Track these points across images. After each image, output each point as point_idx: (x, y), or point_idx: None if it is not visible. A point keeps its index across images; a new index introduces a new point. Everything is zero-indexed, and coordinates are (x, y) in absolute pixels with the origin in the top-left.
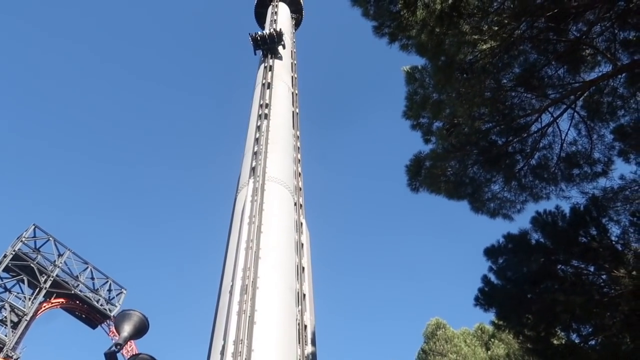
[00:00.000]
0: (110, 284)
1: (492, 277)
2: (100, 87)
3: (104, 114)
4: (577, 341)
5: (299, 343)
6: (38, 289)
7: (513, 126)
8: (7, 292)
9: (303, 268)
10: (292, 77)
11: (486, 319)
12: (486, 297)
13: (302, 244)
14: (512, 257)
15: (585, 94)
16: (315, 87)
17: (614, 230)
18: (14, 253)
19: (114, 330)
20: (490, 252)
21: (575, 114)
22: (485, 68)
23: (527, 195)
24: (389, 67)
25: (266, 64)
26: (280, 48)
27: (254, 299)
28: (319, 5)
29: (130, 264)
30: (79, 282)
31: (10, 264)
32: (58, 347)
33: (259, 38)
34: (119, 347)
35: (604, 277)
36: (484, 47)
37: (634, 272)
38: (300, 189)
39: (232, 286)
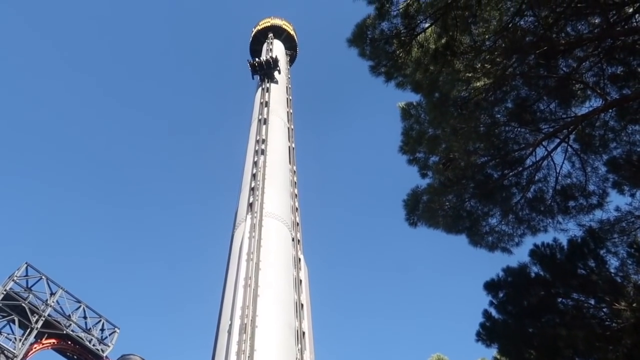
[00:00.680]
0: (103, 323)
1: (493, 312)
2: (92, 124)
3: (95, 152)
4: None
5: None
6: (29, 329)
7: (508, 160)
8: None
9: (302, 305)
10: (287, 112)
11: (489, 354)
12: (488, 332)
13: (301, 280)
14: (512, 291)
15: (577, 128)
16: (311, 101)
17: (613, 262)
18: (5, 292)
19: None
20: (491, 286)
21: (569, 147)
22: (479, 104)
23: (524, 228)
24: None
25: (263, 86)
26: (276, 73)
27: (253, 338)
28: (313, 41)
29: (123, 301)
30: (71, 322)
31: (1, 304)
32: None
33: (256, 64)
34: None
35: (604, 310)
36: (478, 84)
37: (634, 305)
38: (298, 224)
39: (230, 325)
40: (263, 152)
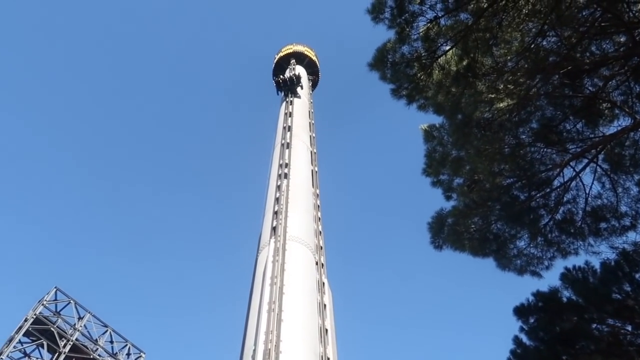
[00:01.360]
0: (129, 348)
1: (524, 338)
2: (115, 155)
3: (123, 180)
4: None
5: None
6: (57, 353)
7: (535, 181)
8: (27, 358)
9: (326, 330)
10: (310, 136)
11: None
12: (519, 359)
13: (325, 305)
14: (544, 316)
15: (606, 148)
16: (333, 122)
17: None
18: (34, 317)
19: None
20: (520, 312)
21: (598, 167)
22: (503, 125)
23: (554, 251)
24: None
25: (287, 100)
26: (298, 89)
27: None
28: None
29: (148, 325)
30: (98, 346)
31: (30, 328)
32: None
33: (280, 80)
34: None
35: None
36: (501, 104)
37: None
38: (322, 247)
39: (254, 350)
40: (286, 175)
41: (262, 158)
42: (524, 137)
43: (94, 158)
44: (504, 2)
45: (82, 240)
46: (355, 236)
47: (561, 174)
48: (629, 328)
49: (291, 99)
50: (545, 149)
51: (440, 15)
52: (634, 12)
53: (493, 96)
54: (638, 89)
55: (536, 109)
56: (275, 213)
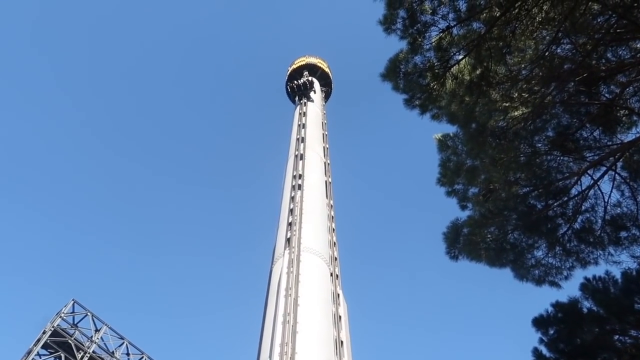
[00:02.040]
0: None
1: (544, 350)
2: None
3: (134, 201)
4: None
5: None
6: None
7: (552, 190)
8: None
9: (342, 342)
10: (323, 147)
11: None
12: None
13: (340, 316)
14: (564, 328)
15: (624, 155)
16: (347, 133)
17: None
18: (52, 329)
19: None
20: (540, 323)
21: (617, 175)
22: (518, 133)
23: (573, 260)
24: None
25: (301, 102)
26: (312, 93)
27: None
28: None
29: (162, 336)
30: (114, 358)
31: (49, 341)
32: None
33: (295, 86)
34: None
35: None
36: (516, 113)
37: None
38: (336, 258)
39: None
40: (300, 187)
41: (278, 159)
42: (539, 145)
43: (106, 160)
44: (517, 10)
45: (97, 246)
46: (370, 246)
47: (579, 182)
48: None
49: (305, 102)
50: (561, 157)
51: (452, 24)
52: None
53: (507, 105)
54: None
55: (552, 116)
56: (290, 224)
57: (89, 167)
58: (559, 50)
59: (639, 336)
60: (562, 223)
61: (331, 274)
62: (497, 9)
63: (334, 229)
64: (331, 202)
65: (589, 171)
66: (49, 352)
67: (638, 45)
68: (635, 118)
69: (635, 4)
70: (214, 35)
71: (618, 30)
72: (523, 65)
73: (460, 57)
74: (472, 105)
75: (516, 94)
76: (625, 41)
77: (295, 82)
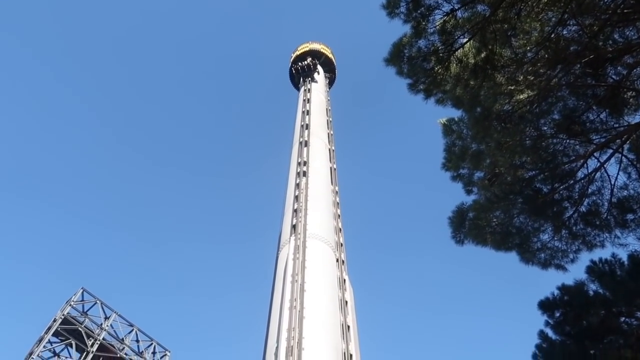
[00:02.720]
0: (154, 346)
1: (550, 332)
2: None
3: (141, 189)
4: None
5: None
6: (85, 352)
7: (558, 173)
8: (56, 357)
9: (348, 327)
10: (328, 133)
11: None
12: (545, 354)
13: (346, 302)
14: (570, 311)
15: (631, 137)
16: (351, 119)
17: None
18: (63, 317)
19: None
20: (546, 306)
21: (623, 157)
22: (523, 117)
23: (579, 243)
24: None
25: (305, 82)
26: (315, 74)
27: None
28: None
29: (173, 323)
30: (124, 345)
31: (59, 328)
32: None
33: (299, 68)
34: None
35: None
36: (521, 96)
37: None
38: (342, 244)
39: (277, 347)
40: (305, 174)
41: (283, 146)
42: (545, 128)
43: (114, 150)
44: None
45: (106, 237)
46: (375, 232)
47: (585, 165)
48: None
49: (309, 88)
50: (568, 140)
51: (456, 7)
52: None
53: (513, 88)
54: None
55: (558, 99)
56: (295, 211)
57: (97, 157)
58: (565, 32)
59: None
60: (568, 206)
61: (337, 260)
62: None
63: (339, 215)
64: (336, 188)
65: (595, 154)
66: (59, 339)
67: None
68: None
69: None
70: (218, 26)
71: (625, 11)
72: (528, 48)
73: (465, 40)
74: (477, 89)
75: (521, 77)
76: (633, 22)
77: (300, 63)
